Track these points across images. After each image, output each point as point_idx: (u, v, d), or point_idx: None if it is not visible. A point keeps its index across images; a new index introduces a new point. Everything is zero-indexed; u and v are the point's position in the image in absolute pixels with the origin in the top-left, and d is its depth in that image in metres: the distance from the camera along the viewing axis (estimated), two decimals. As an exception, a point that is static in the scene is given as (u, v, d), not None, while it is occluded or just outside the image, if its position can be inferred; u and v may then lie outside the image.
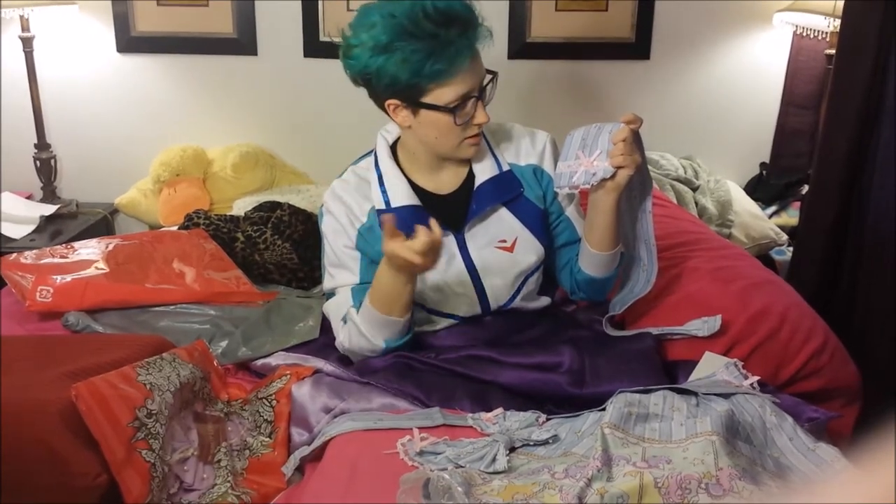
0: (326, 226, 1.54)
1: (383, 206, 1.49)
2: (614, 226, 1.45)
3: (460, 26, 1.34)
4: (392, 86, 1.38)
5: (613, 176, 1.37)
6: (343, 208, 1.52)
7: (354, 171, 1.57)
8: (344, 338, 1.50)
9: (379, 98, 1.44)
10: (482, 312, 1.56)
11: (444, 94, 1.38)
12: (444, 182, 1.55)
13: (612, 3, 2.65)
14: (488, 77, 1.44)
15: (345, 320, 1.50)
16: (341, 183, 1.56)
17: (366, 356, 1.50)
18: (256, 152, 2.65)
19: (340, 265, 1.52)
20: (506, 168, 1.53)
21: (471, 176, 1.54)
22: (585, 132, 1.43)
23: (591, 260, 1.51)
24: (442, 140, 1.45)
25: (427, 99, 1.39)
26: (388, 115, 1.46)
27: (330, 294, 1.57)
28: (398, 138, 1.56)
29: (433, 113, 1.40)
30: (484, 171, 1.52)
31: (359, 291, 1.50)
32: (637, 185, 1.48)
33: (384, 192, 1.50)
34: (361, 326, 1.46)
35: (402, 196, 1.49)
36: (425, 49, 1.33)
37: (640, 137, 1.42)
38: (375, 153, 1.56)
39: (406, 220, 1.47)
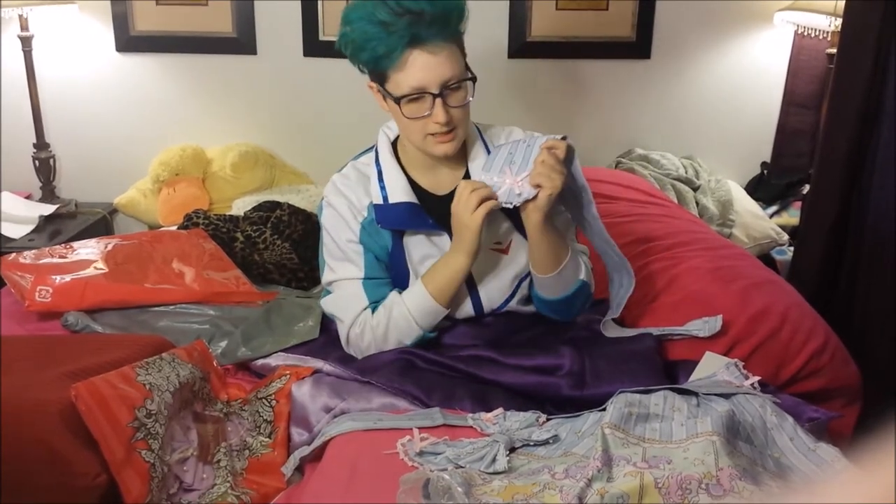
0: (327, 219, 1.54)
1: (381, 202, 1.49)
2: (546, 247, 1.44)
3: (412, 17, 1.34)
4: (357, 62, 1.43)
5: (535, 197, 1.37)
6: (345, 202, 1.52)
7: (355, 165, 1.57)
8: (375, 324, 1.47)
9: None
10: (475, 315, 1.55)
11: (398, 83, 1.39)
12: (442, 182, 1.54)
13: (612, 2, 2.65)
14: (468, 77, 1.43)
15: (372, 309, 1.48)
16: (341, 177, 1.56)
17: (383, 349, 1.48)
18: (256, 152, 2.65)
19: (344, 259, 1.51)
20: None
21: (467, 177, 1.53)
22: (513, 147, 1.45)
23: (536, 280, 1.51)
24: (407, 132, 1.46)
25: (388, 86, 1.41)
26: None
27: (327, 290, 1.56)
28: (399, 136, 1.56)
29: (392, 101, 1.42)
30: (479, 172, 1.52)
31: (372, 286, 1.49)
32: (570, 199, 1.48)
33: (383, 187, 1.50)
34: (407, 311, 1.45)
35: (400, 193, 1.49)
36: (371, 32, 1.36)
37: (571, 154, 1.43)
38: (376, 149, 1.56)
39: (402, 217, 1.48)
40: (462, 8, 1.41)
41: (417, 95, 1.39)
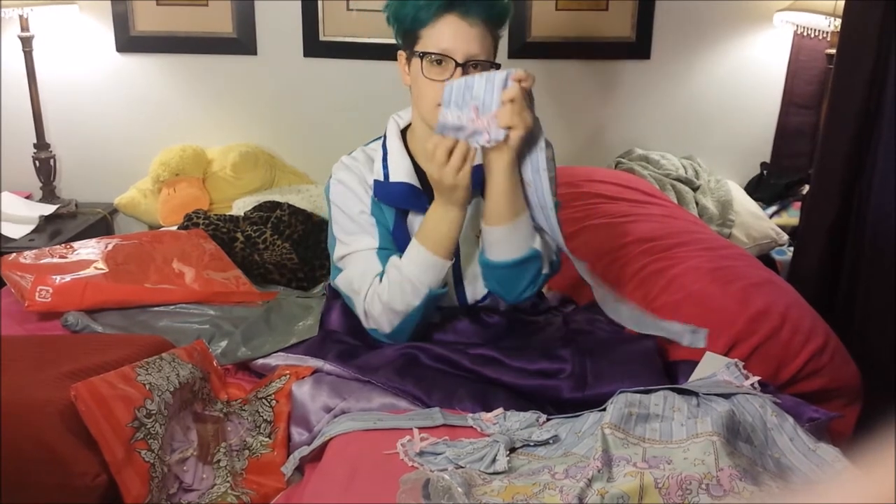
0: (337, 195, 1.54)
1: (381, 179, 1.51)
2: (507, 194, 1.39)
3: None
4: (397, 22, 1.46)
5: (506, 138, 1.33)
6: (355, 177, 1.53)
7: (364, 150, 1.59)
8: (381, 290, 1.44)
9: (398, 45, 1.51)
10: (459, 305, 1.55)
11: (427, 41, 1.43)
12: None
13: (612, 2, 2.65)
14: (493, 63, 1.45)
15: (380, 277, 1.46)
16: (350, 158, 1.58)
17: (398, 313, 1.45)
18: (256, 152, 2.65)
19: (358, 231, 1.51)
20: None
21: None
22: (470, 81, 1.34)
23: (487, 238, 1.45)
24: (420, 98, 1.46)
25: (417, 47, 1.44)
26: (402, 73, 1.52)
27: (338, 268, 1.55)
28: (409, 124, 1.57)
29: (417, 63, 1.44)
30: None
31: (386, 256, 1.48)
32: (525, 143, 1.40)
33: (385, 166, 1.52)
34: (407, 271, 1.42)
35: (401, 173, 1.51)
36: None
37: (531, 94, 1.39)
38: (385, 134, 1.57)
39: (399, 196, 1.50)
40: (507, 5, 1.45)
41: (441, 58, 1.41)
